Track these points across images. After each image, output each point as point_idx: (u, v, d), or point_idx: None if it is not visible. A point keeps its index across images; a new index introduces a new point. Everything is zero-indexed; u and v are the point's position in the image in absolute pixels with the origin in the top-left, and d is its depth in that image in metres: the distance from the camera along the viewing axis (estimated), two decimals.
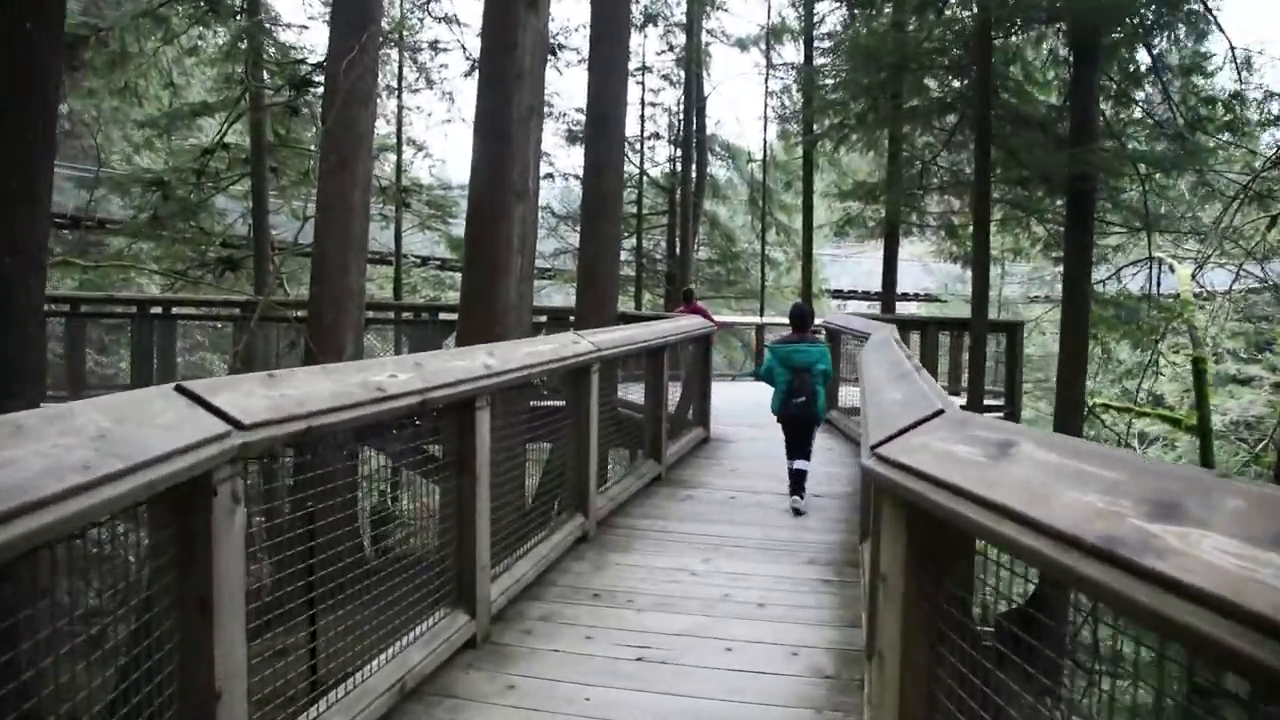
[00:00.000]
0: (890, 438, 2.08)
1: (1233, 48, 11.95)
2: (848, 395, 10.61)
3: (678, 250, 20.62)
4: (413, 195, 20.54)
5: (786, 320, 7.81)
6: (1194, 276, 13.62)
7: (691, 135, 20.54)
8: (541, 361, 4.21)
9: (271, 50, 14.98)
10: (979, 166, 9.94)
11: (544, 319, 13.29)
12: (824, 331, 10.65)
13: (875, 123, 13.25)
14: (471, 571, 3.65)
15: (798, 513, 6.25)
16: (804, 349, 6.51)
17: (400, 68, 21.55)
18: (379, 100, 23.26)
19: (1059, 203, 12.14)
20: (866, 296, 28.38)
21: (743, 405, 11.70)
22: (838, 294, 28.73)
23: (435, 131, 26.89)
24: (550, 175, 21.66)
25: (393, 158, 21.40)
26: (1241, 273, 13.62)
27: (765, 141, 22.24)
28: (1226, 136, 12.02)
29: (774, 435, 9.21)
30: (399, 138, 21.58)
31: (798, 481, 6.43)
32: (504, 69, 6.93)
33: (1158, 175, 10.98)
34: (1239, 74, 12.05)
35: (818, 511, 6.31)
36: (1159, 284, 13.30)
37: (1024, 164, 10.58)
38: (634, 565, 4.86)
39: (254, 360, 12.06)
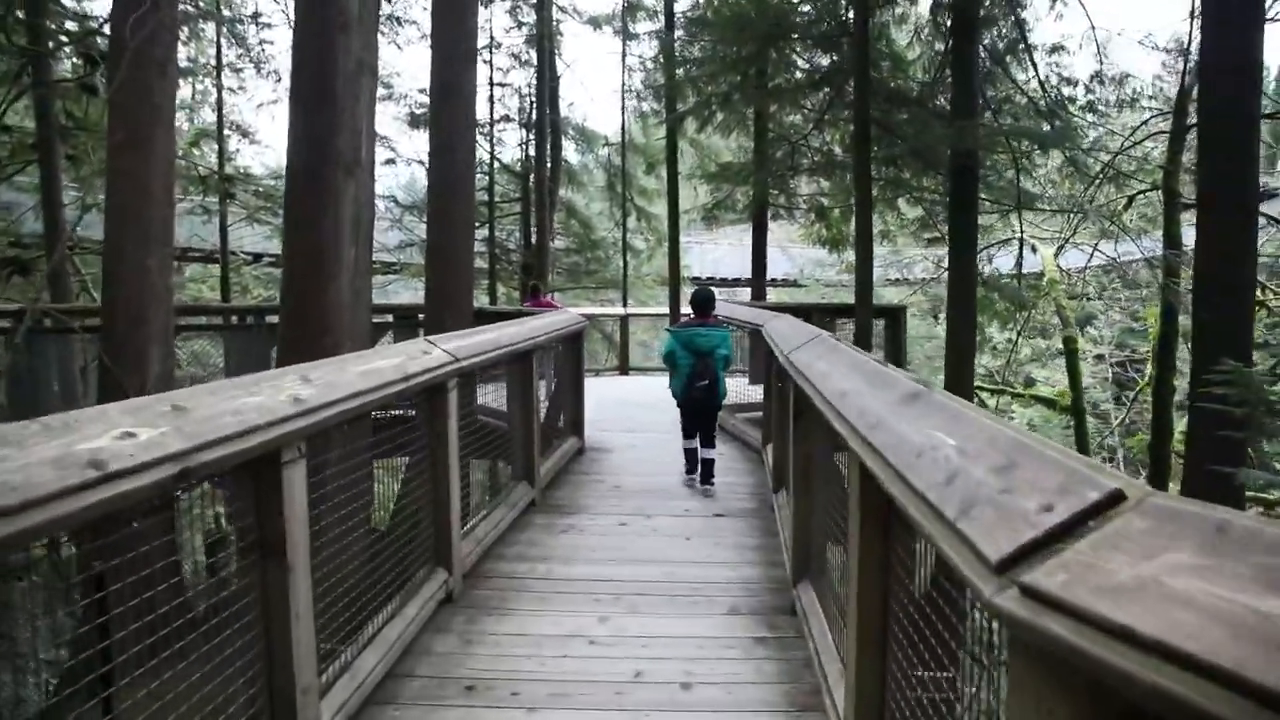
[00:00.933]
0: (1033, 549, 1.13)
1: (1093, 27, 11.99)
2: (733, 389, 9.88)
3: (533, 240, 19.43)
4: (238, 185, 18.51)
5: (651, 312, 7.50)
6: (1056, 256, 13.63)
7: (545, 118, 19.31)
8: (381, 384, 3.08)
9: (72, 26, 12.91)
10: (858, 143, 9.29)
11: (390, 318, 11.85)
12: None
13: (742, 100, 12.52)
14: (289, 693, 2.52)
15: (707, 495, 6.35)
16: (706, 333, 6.45)
17: (219, 44, 19.49)
18: (199, 82, 21.14)
19: (926, 182, 11.80)
20: (723, 284, 27.97)
21: (611, 403, 10.88)
22: (697, 281, 28.22)
23: (263, 115, 24.54)
24: (392, 161, 20.07)
25: (216, 145, 19.33)
26: (1096, 252, 13.75)
27: (624, 124, 21.33)
28: (1090, 117, 12.04)
29: (653, 440, 8.42)
30: (220, 122, 19.50)
31: (706, 470, 6.48)
32: (328, 14, 5.64)
33: (1031, 154, 10.76)
34: (1098, 54, 12.10)
35: (724, 533, 5.44)
36: (1021, 264, 13.27)
37: (904, 139, 10.05)
38: (515, 635, 3.80)
39: (38, 386, 10.11)
